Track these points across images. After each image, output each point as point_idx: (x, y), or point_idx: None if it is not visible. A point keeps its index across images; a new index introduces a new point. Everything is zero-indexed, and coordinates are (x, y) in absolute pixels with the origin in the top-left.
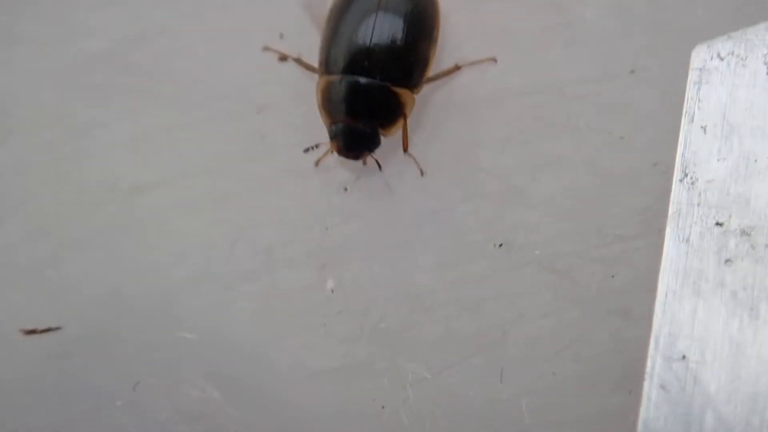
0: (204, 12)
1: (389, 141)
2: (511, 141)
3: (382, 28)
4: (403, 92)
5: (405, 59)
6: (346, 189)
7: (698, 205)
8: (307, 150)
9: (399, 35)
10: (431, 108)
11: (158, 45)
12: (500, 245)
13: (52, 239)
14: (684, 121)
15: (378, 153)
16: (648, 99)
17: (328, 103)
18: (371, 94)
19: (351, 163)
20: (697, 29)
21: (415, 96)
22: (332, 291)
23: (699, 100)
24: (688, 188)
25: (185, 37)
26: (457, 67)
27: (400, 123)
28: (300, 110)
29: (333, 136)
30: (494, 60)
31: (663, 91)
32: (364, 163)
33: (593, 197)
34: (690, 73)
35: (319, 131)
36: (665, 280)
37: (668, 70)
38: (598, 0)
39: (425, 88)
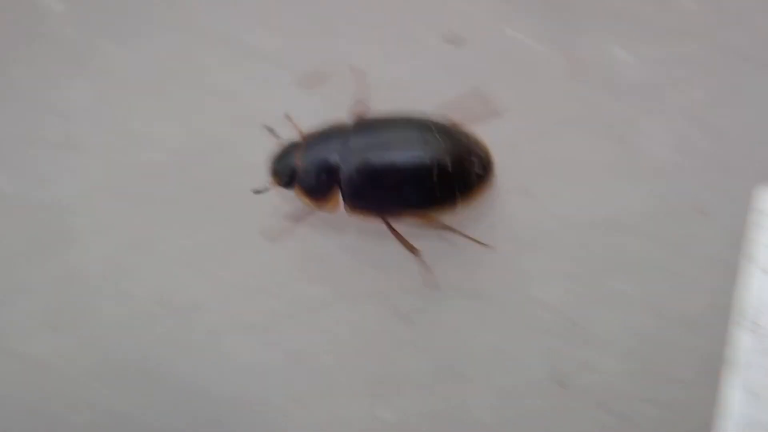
0: (264, 128)
1: (467, 277)
2: (572, 276)
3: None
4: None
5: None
6: (405, 318)
7: (762, 352)
8: (258, 192)
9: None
10: (495, 239)
11: (219, 161)
12: (561, 384)
13: (105, 352)
14: (747, 263)
15: (439, 282)
16: (711, 238)
17: None
18: None
19: (413, 290)
20: (764, 170)
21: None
22: (389, 422)
23: (764, 246)
24: (751, 334)
25: (248, 154)
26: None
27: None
28: (358, 232)
29: None
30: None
31: (726, 231)
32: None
33: (654, 338)
34: (754, 215)
35: (377, 256)
36: (727, 430)
37: (732, 210)
38: (662, 136)
39: (488, 220)
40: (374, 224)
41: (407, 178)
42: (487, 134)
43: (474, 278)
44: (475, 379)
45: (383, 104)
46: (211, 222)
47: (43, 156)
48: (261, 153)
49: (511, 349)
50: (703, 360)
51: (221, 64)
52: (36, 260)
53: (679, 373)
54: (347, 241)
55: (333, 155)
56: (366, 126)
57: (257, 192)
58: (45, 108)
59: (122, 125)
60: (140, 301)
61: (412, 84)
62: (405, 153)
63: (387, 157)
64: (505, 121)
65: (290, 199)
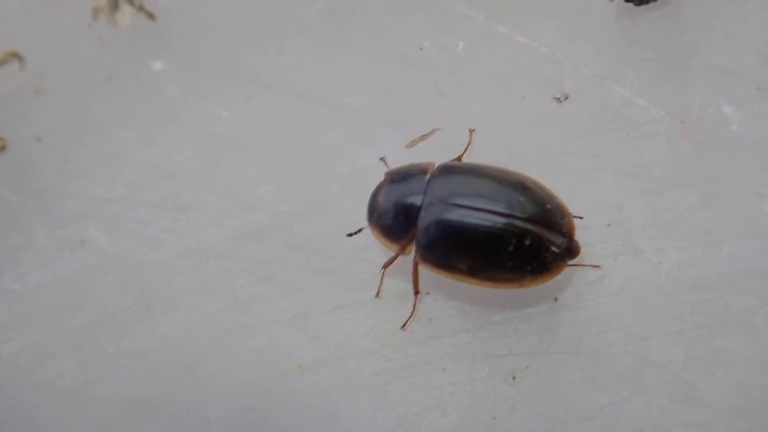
0: (372, 188)
1: (575, 334)
2: (683, 335)
3: None
4: None
5: None
6: (514, 378)
7: None
8: (350, 234)
9: None
10: (604, 297)
11: (325, 220)
12: None
13: (211, 412)
14: None
15: (546, 342)
16: None
17: None
18: None
19: (521, 349)
20: None
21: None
22: None
23: None
24: None
25: (353, 213)
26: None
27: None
28: (466, 293)
29: None
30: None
31: None
32: None
33: (767, 396)
34: None
35: (487, 316)
36: None
37: None
38: None
39: (597, 277)
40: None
41: (483, 243)
42: (593, 191)
43: (583, 338)
44: None
45: (486, 158)
46: (317, 282)
47: (147, 217)
48: (365, 211)
49: (621, 409)
50: None
51: (326, 124)
52: (144, 320)
53: None
54: (457, 303)
55: (414, 201)
56: (453, 173)
57: (350, 234)
58: (149, 169)
59: (227, 186)
60: (246, 363)
61: (517, 139)
62: (488, 217)
63: (469, 215)
64: (612, 179)
65: (401, 260)
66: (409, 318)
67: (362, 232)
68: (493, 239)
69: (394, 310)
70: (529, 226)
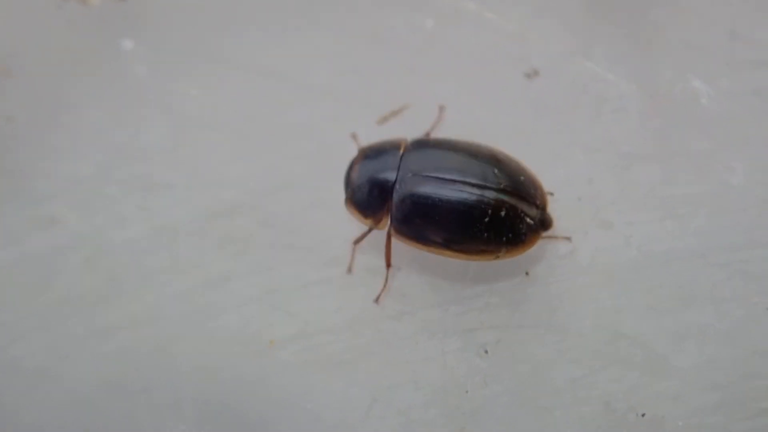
0: (342, 165)
1: (546, 308)
2: (654, 308)
3: None
4: None
5: None
6: (486, 351)
7: None
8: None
9: None
10: (575, 271)
11: (296, 197)
12: (643, 415)
13: (182, 389)
14: None
15: (518, 316)
16: None
17: None
18: None
19: (493, 323)
20: None
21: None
22: None
23: None
24: None
25: (324, 190)
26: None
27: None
28: (438, 267)
29: None
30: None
31: None
32: None
33: (737, 368)
34: None
35: (458, 291)
36: None
37: None
38: (744, 168)
39: (568, 251)
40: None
41: (458, 215)
42: (564, 166)
43: (554, 311)
44: (556, 410)
45: (456, 134)
46: (289, 259)
47: (117, 195)
48: (337, 188)
49: (592, 382)
50: None
51: (295, 103)
52: (115, 299)
53: (762, 402)
54: (429, 278)
55: (388, 174)
56: (426, 147)
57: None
58: (120, 149)
59: (197, 164)
60: (218, 339)
61: (487, 116)
62: (462, 188)
63: (443, 187)
64: (582, 153)
65: (373, 236)
66: (381, 291)
67: (331, 209)
68: (468, 210)
69: (366, 286)
70: (504, 197)
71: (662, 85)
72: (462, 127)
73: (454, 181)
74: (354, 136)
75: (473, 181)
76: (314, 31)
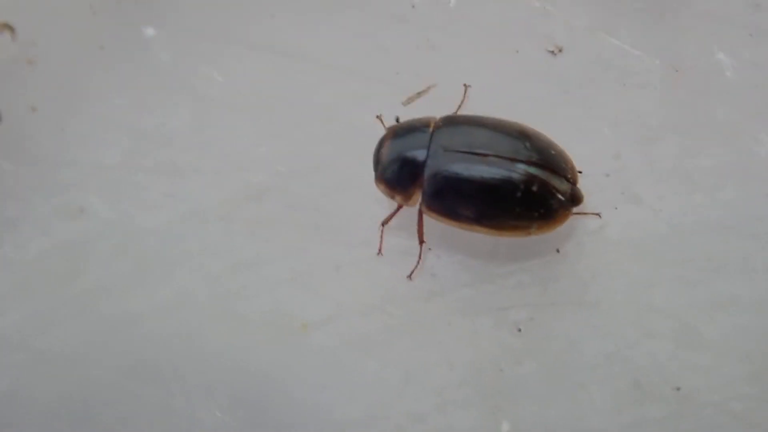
0: (369, 147)
1: (577, 284)
2: (685, 280)
3: None
4: None
5: None
6: (519, 329)
7: None
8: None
9: None
10: (606, 246)
11: (324, 179)
12: (677, 388)
13: (215, 374)
14: None
15: (550, 293)
16: None
17: None
18: None
19: (525, 301)
20: None
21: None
22: None
23: None
24: None
25: (351, 171)
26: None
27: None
28: (468, 247)
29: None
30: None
31: None
32: None
33: None
34: None
35: (489, 269)
36: None
37: None
38: None
39: (597, 227)
40: (477, 234)
41: (490, 189)
42: (590, 142)
43: (586, 288)
44: (591, 386)
45: (481, 112)
46: (318, 241)
47: (145, 182)
48: (365, 169)
49: (626, 356)
50: None
51: (321, 84)
52: (145, 285)
53: None
54: (460, 258)
55: (419, 150)
56: (457, 124)
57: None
58: (146, 135)
59: (224, 149)
60: (250, 323)
61: (512, 93)
62: (494, 162)
63: (475, 162)
64: (609, 129)
65: (401, 217)
66: (415, 267)
67: (360, 190)
68: (500, 184)
69: (396, 266)
70: (536, 170)
71: (686, 58)
72: (487, 104)
73: (486, 155)
74: (380, 118)
75: (505, 155)
76: (338, 12)
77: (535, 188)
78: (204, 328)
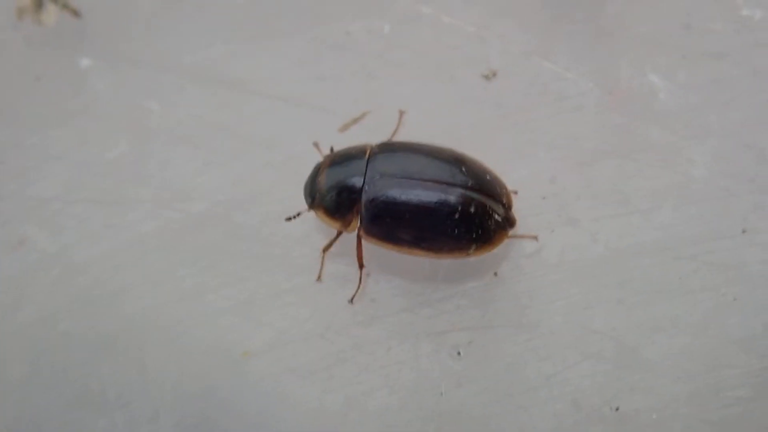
0: (305, 174)
1: (516, 307)
2: (623, 302)
3: None
4: None
5: None
6: (459, 353)
7: None
8: (289, 219)
9: None
10: (543, 269)
11: (264, 208)
12: (616, 409)
13: (160, 403)
14: None
15: (489, 316)
16: (760, 259)
17: None
18: None
19: (464, 325)
20: None
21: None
22: None
23: None
24: None
25: (291, 199)
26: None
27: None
28: (407, 272)
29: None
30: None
31: None
32: None
33: (708, 359)
34: None
35: (428, 294)
36: None
37: None
38: (706, 159)
39: (535, 249)
40: (416, 258)
41: (427, 212)
42: (527, 165)
43: (524, 310)
44: (531, 408)
45: (417, 137)
46: (259, 269)
47: (85, 213)
48: (305, 202)
49: (566, 377)
50: (763, 379)
51: (259, 113)
52: (87, 315)
53: (737, 392)
54: (399, 283)
55: (356, 177)
56: (393, 150)
57: (289, 219)
58: (85, 166)
59: (164, 179)
60: (193, 351)
61: (448, 118)
62: (430, 186)
63: (412, 186)
64: (545, 152)
65: (340, 243)
66: (356, 291)
67: (301, 218)
68: (438, 207)
69: (336, 293)
70: (473, 194)
71: (621, 81)
72: (423, 130)
73: (423, 180)
74: (316, 145)
75: (441, 179)
76: (274, 41)
77: (472, 210)
78: (148, 357)
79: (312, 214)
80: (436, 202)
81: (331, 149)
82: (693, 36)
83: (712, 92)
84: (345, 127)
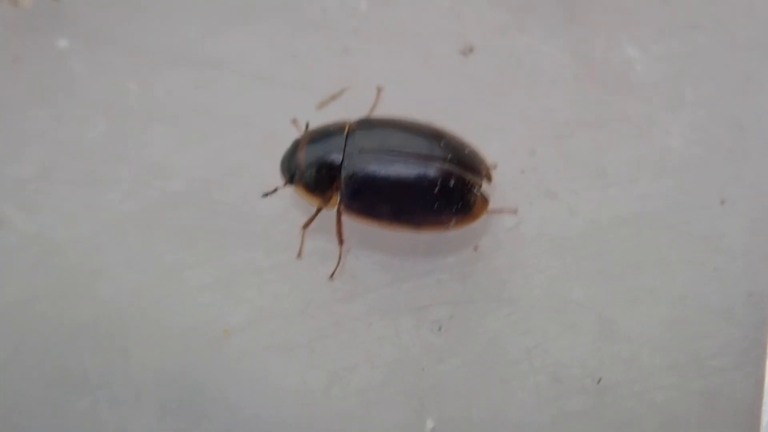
0: (283, 151)
1: (496, 281)
2: (603, 274)
3: None
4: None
5: None
6: (440, 328)
7: None
8: (266, 195)
9: None
10: (523, 242)
11: (242, 185)
12: (598, 380)
13: (142, 383)
14: None
15: (469, 290)
16: (739, 229)
17: None
18: None
19: (445, 299)
20: None
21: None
22: (432, 431)
23: None
24: None
25: (269, 176)
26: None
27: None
28: (387, 247)
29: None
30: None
31: (754, 221)
32: None
33: (688, 329)
34: None
35: (408, 269)
36: None
37: (757, 201)
38: (683, 130)
39: (514, 223)
40: (396, 234)
41: (407, 186)
42: (504, 139)
43: (505, 284)
44: (512, 381)
45: (395, 113)
46: (238, 246)
47: (63, 194)
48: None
49: (546, 350)
50: (743, 348)
51: (236, 92)
52: (68, 296)
53: (718, 362)
54: (379, 258)
55: (335, 153)
56: (371, 126)
57: (266, 195)
58: (63, 147)
59: (142, 158)
60: (174, 330)
61: (425, 94)
62: (409, 160)
63: (391, 161)
64: (522, 126)
65: (320, 220)
66: (336, 267)
67: (279, 195)
68: (418, 181)
69: (316, 269)
70: (452, 167)
71: (597, 54)
72: (401, 106)
73: (402, 153)
74: (294, 122)
75: (421, 153)
76: (250, 20)
77: (451, 183)
78: (129, 336)
79: (289, 190)
80: (415, 176)
81: (307, 125)
82: (669, 8)
83: (688, 64)
84: (323, 104)
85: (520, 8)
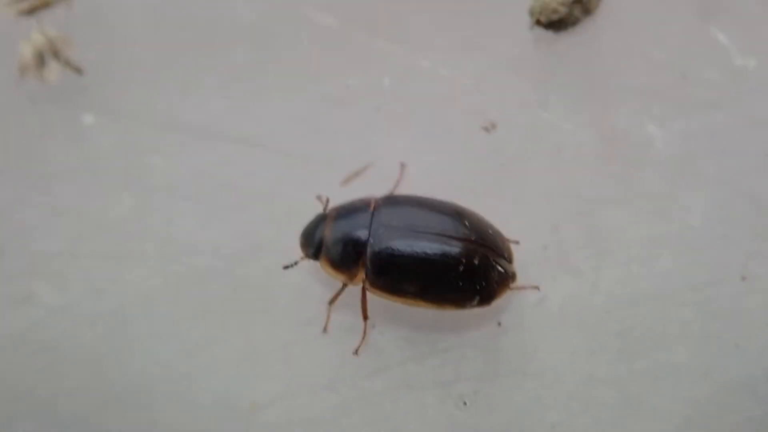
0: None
1: (520, 356)
2: (626, 351)
3: None
4: None
5: None
6: (465, 403)
7: None
8: (286, 267)
9: None
10: (546, 318)
11: (267, 260)
12: None
13: None
14: None
15: (493, 365)
16: (760, 304)
17: None
18: None
19: (470, 374)
20: None
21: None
22: None
23: None
24: None
25: (294, 252)
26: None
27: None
28: (412, 322)
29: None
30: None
31: None
32: None
33: (711, 406)
34: None
35: (433, 344)
36: None
37: None
38: (702, 207)
39: (537, 299)
40: (419, 309)
41: (432, 265)
42: (527, 215)
43: (529, 359)
44: None
45: (419, 190)
46: (265, 321)
47: (90, 268)
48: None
49: (571, 426)
50: (762, 424)
51: (261, 167)
52: (96, 372)
53: None
54: (404, 333)
55: (362, 230)
56: (396, 203)
57: (287, 267)
58: (89, 221)
59: (168, 233)
60: (201, 404)
61: (448, 170)
62: (434, 239)
63: (417, 239)
64: (545, 202)
65: (344, 294)
66: (361, 343)
67: (304, 270)
68: (442, 260)
69: (342, 344)
70: (476, 247)
71: (618, 130)
72: (424, 182)
73: (427, 233)
74: (320, 198)
75: (445, 232)
76: (275, 96)
77: (476, 262)
78: (156, 411)
79: (310, 263)
80: (441, 255)
81: (327, 201)
82: (688, 85)
83: (708, 141)
84: (347, 181)
85: (542, 85)
